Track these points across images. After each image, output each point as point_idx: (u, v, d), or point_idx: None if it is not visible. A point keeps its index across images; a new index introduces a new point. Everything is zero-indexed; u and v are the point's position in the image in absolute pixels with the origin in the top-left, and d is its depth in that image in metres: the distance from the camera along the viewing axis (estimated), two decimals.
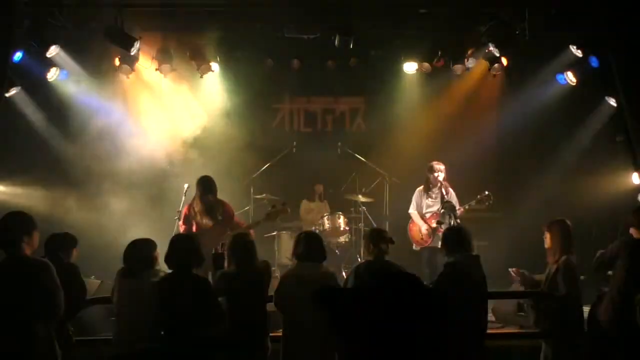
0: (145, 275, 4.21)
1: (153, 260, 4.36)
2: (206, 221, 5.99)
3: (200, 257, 4.20)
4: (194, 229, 5.99)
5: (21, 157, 7.85)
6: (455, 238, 4.32)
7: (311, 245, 4.31)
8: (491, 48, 7.38)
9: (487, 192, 6.66)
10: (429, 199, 6.88)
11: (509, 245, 7.68)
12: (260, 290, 4.32)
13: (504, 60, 7.66)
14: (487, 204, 6.68)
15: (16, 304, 3.50)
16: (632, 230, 4.58)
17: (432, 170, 6.82)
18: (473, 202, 6.68)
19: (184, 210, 6.15)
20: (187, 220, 6.07)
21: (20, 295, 3.51)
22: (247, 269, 4.29)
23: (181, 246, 4.18)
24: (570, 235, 4.55)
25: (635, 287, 4.24)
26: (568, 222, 4.62)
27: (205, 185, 5.99)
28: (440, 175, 6.77)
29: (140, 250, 4.35)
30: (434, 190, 6.84)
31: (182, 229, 6.09)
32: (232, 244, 4.38)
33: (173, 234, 6.22)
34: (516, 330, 5.81)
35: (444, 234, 4.52)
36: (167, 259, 4.14)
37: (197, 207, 6.01)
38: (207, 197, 5.97)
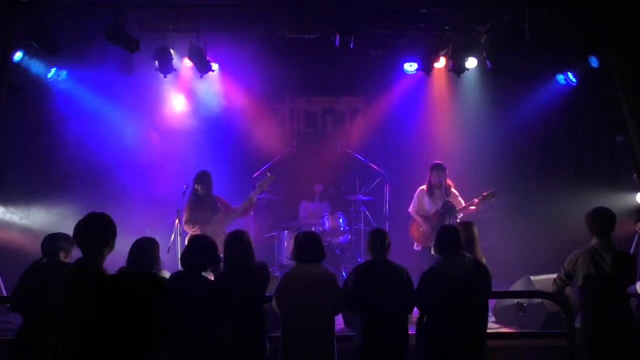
0: None
1: (157, 260, 4.36)
2: (208, 212, 6.35)
3: (217, 259, 4.22)
4: (198, 222, 6.29)
5: (23, 156, 7.88)
6: (440, 239, 4.32)
7: (309, 246, 4.30)
8: (491, 48, 7.38)
9: (492, 190, 6.66)
10: (431, 199, 6.88)
11: (509, 245, 7.69)
12: (258, 291, 4.31)
13: (504, 60, 7.65)
14: (492, 199, 6.68)
15: None
16: (638, 228, 4.99)
17: (433, 170, 6.83)
18: (478, 200, 6.67)
19: (186, 207, 6.41)
20: (193, 214, 6.34)
21: None
22: (243, 269, 4.28)
23: (199, 248, 4.18)
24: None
25: (604, 293, 4.22)
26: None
27: (208, 178, 6.43)
28: (440, 175, 6.78)
29: (145, 249, 4.35)
30: (435, 190, 6.85)
31: (189, 228, 6.30)
32: (229, 244, 4.37)
33: (172, 234, 6.30)
34: (516, 330, 5.82)
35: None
36: (184, 258, 4.15)
37: (200, 199, 6.36)
38: (210, 188, 6.40)
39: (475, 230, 5.04)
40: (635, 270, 4.43)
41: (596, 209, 4.40)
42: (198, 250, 4.16)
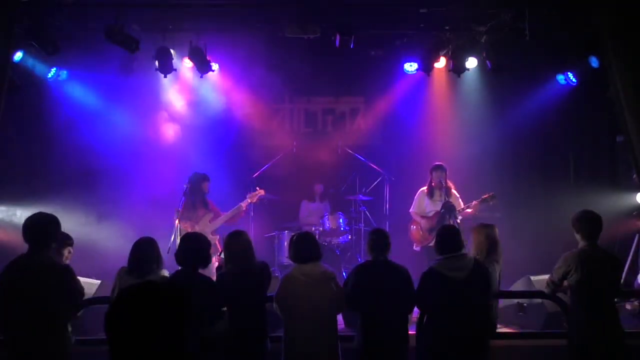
0: (146, 275, 4.21)
1: (158, 260, 4.37)
2: (201, 211, 6.67)
3: (208, 257, 4.23)
4: (190, 220, 6.57)
5: (23, 156, 7.88)
6: (440, 239, 4.32)
7: (304, 246, 4.31)
8: (491, 48, 7.38)
9: (491, 193, 6.66)
10: (431, 201, 6.88)
11: (509, 245, 7.67)
12: (259, 291, 4.32)
13: (504, 61, 7.65)
14: (490, 203, 6.68)
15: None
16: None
17: (434, 171, 6.83)
18: (477, 202, 6.67)
19: (182, 205, 6.62)
20: (186, 213, 6.60)
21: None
22: (245, 269, 4.28)
23: (192, 245, 4.20)
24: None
25: (597, 294, 4.25)
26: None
27: (204, 179, 6.73)
28: (440, 176, 6.78)
29: (145, 250, 4.36)
30: (435, 191, 6.85)
31: (185, 224, 6.50)
32: (229, 244, 4.37)
33: (172, 234, 6.32)
34: (516, 330, 5.82)
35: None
36: (178, 256, 4.17)
37: (194, 200, 6.70)
38: (205, 190, 6.74)
39: (497, 231, 5.00)
40: (622, 271, 4.52)
41: (583, 212, 4.42)
42: (190, 248, 4.18)
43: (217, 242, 6.54)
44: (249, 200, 7.02)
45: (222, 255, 4.49)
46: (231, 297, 4.20)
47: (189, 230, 6.26)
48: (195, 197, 6.67)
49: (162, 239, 6.47)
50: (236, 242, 4.37)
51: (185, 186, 6.62)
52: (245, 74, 8.22)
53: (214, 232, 6.63)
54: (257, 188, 7.18)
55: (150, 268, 4.29)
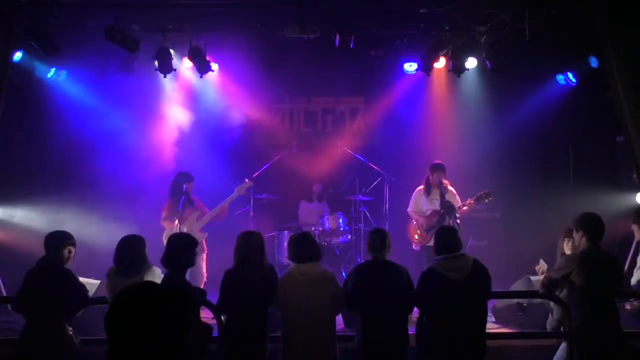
0: (137, 274, 4.20)
1: (144, 257, 4.34)
2: (187, 211, 6.59)
3: (191, 257, 4.18)
4: (176, 219, 6.43)
5: (23, 156, 7.88)
6: (439, 240, 4.32)
7: (303, 246, 4.31)
8: (491, 48, 7.38)
9: (487, 190, 6.65)
10: (429, 199, 6.87)
11: (509, 245, 7.68)
12: (263, 292, 4.30)
13: (504, 61, 7.65)
14: (486, 200, 6.67)
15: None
16: (633, 228, 4.75)
17: (432, 170, 6.81)
18: (472, 200, 6.66)
19: (167, 205, 6.63)
20: (172, 212, 6.53)
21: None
22: (253, 270, 4.27)
23: (177, 246, 4.17)
24: None
25: (598, 294, 4.25)
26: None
27: (188, 178, 6.66)
28: (441, 175, 6.76)
29: (131, 248, 4.34)
30: (433, 190, 6.83)
31: (171, 224, 6.47)
32: (241, 244, 4.36)
33: (172, 234, 6.30)
34: (516, 330, 5.82)
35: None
36: (164, 260, 4.13)
37: (180, 199, 6.57)
38: (189, 187, 6.64)
39: None
40: (623, 272, 4.52)
41: (587, 215, 4.41)
42: (176, 250, 4.13)
43: (203, 241, 6.49)
44: (237, 193, 6.89)
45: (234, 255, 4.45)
46: (235, 297, 4.20)
47: (175, 230, 6.28)
48: (180, 196, 6.54)
49: (162, 239, 6.50)
50: (248, 243, 4.35)
51: (184, 186, 6.60)
52: (245, 74, 8.20)
53: (201, 230, 6.57)
54: (246, 180, 7.07)
55: (139, 268, 4.27)
